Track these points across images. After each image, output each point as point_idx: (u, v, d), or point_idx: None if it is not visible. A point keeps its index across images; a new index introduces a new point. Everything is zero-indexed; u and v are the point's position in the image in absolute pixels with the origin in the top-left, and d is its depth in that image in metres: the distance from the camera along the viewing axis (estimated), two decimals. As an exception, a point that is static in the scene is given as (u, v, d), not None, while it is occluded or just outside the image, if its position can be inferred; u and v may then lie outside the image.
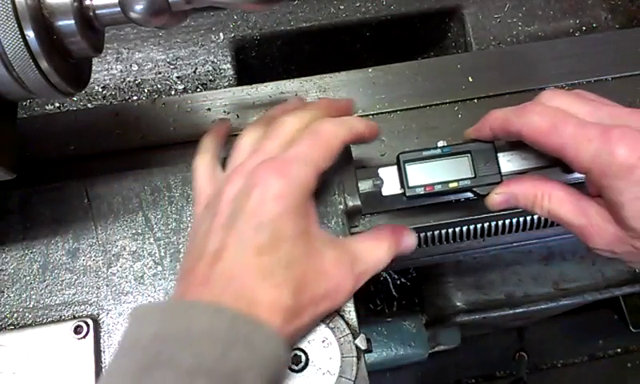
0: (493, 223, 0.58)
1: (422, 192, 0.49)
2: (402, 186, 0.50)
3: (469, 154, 0.49)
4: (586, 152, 0.41)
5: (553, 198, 0.45)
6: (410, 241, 0.48)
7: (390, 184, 0.51)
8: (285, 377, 0.43)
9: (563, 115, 0.43)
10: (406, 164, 0.50)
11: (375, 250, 0.46)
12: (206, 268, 0.41)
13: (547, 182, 0.46)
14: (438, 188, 0.49)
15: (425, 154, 0.50)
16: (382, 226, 0.51)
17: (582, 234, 0.44)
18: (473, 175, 0.49)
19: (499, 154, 0.50)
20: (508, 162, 0.50)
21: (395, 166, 0.51)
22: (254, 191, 0.41)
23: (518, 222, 0.58)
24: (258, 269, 0.40)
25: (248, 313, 0.38)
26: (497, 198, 0.48)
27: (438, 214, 0.55)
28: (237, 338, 0.36)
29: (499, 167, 0.49)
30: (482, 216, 0.56)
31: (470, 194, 0.52)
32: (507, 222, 0.58)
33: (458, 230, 0.58)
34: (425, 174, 0.49)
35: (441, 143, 0.51)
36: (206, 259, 0.41)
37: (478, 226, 0.58)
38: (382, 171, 0.52)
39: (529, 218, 0.58)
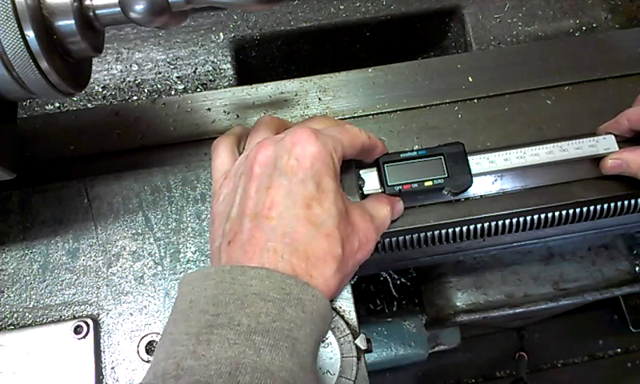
0: (493, 223, 0.58)
1: (400, 189, 0.53)
2: (382, 185, 0.53)
3: (442, 156, 0.53)
4: None
5: None
6: (399, 206, 0.54)
7: (371, 183, 0.54)
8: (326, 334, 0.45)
9: None
10: (385, 165, 0.53)
11: (381, 209, 0.51)
12: (254, 229, 0.42)
13: None
14: (414, 186, 0.53)
15: (402, 155, 0.54)
16: (379, 193, 0.54)
17: None
18: (446, 175, 0.53)
19: (469, 157, 0.54)
20: (477, 165, 0.54)
21: (375, 168, 0.55)
22: (296, 148, 0.44)
23: (517, 221, 0.58)
24: (310, 220, 0.42)
25: (303, 267, 0.41)
26: (610, 162, 0.52)
27: (438, 213, 0.56)
28: (289, 298, 0.39)
29: (469, 168, 0.54)
30: (482, 216, 0.56)
31: (449, 197, 0.55)
32: (507, 221, 0.58)
33: (457, 230, 0.58)
34: (402, 174, 0.53)
35: (416, 147, 0.57)
36: (251, 221, 0.43)
37: (478, 226, 0.58)
38: (362, 172, 0.54)
39: (528, 218, 0.58)
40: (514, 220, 0.58)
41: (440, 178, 0.53)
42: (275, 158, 0.44)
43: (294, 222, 0.42)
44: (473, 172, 0.54)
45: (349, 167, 0.53)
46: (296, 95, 0.62)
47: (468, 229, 0.58)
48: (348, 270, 0.45)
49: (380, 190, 0.53)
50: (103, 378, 0.49)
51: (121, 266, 0.52)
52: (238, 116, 0.61)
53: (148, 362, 0.49)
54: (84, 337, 0.49)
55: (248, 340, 0.36)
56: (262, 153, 0.45)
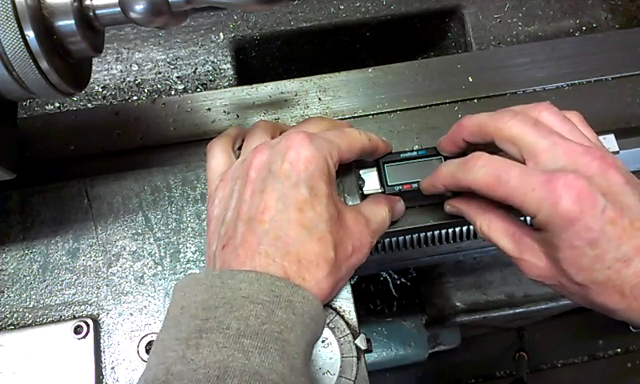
0: (493, 223, 0.58)
1: (400, 189, 0.53)
2: (382, 185, 0.53)
3: (442, 156, 0.53)
4: (532, 201, 0.41)
5: (491, 228, 0.47)
6: (400, 206, 0.53)
7: (371, 183, 0.54)
8: (320, 336, 0.45)
9: (506, 165, 0.43)
10: (385, 165, 0.54)
11: (379, 211, 0.50)
12: (247, 233, 0.42)
13: (489, 210, 0.48)
14: (414, 186, 0.53)
15: (402, 155, 0.54)
16: (378, 194, 0.53)
17: (516, 263, 0.46)
18: None
19: None
20: None
21: (375, 168, 0.55)
22: (289, 152, 0.44)
23: (517, 222, 0.58)
24: (302, 224, 0.42)
25: (295, 270, 0.41)
26: (448, 208, 0.52)
27: (438, 213, 0.56)
28: (279, 301, 0.39)
29: None
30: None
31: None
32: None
33: (457, 230, 0.58)
34: (402, 174, 0.53)
35: (416, 147, 0.57)
36: (244, 225, 0.43)
37: (478, 226, 0.58)
38: (362, 172, 0.54)
39: (529, 218, 0.58)
40: (514, 220, 0.58)
41: None
42: (269, 163, 0.44)
43: (285, 226, 0.42)
44: None
45: (349, 167, 0.53)
46: (296, 95, 0.62)
47: (468, 229, 0.58)
48: (342, 274, 0.45)
49: (380, 190, 0.53)
50: (103, 378, 0.49)
51: (121, 266, 0.52)
52: (238, 116, 0.61)
53: (148, 362, 0.49)
54: (84, 337, 0.49)
55: (237, 343, 0.36)
56: (258, 157, 0.45)
